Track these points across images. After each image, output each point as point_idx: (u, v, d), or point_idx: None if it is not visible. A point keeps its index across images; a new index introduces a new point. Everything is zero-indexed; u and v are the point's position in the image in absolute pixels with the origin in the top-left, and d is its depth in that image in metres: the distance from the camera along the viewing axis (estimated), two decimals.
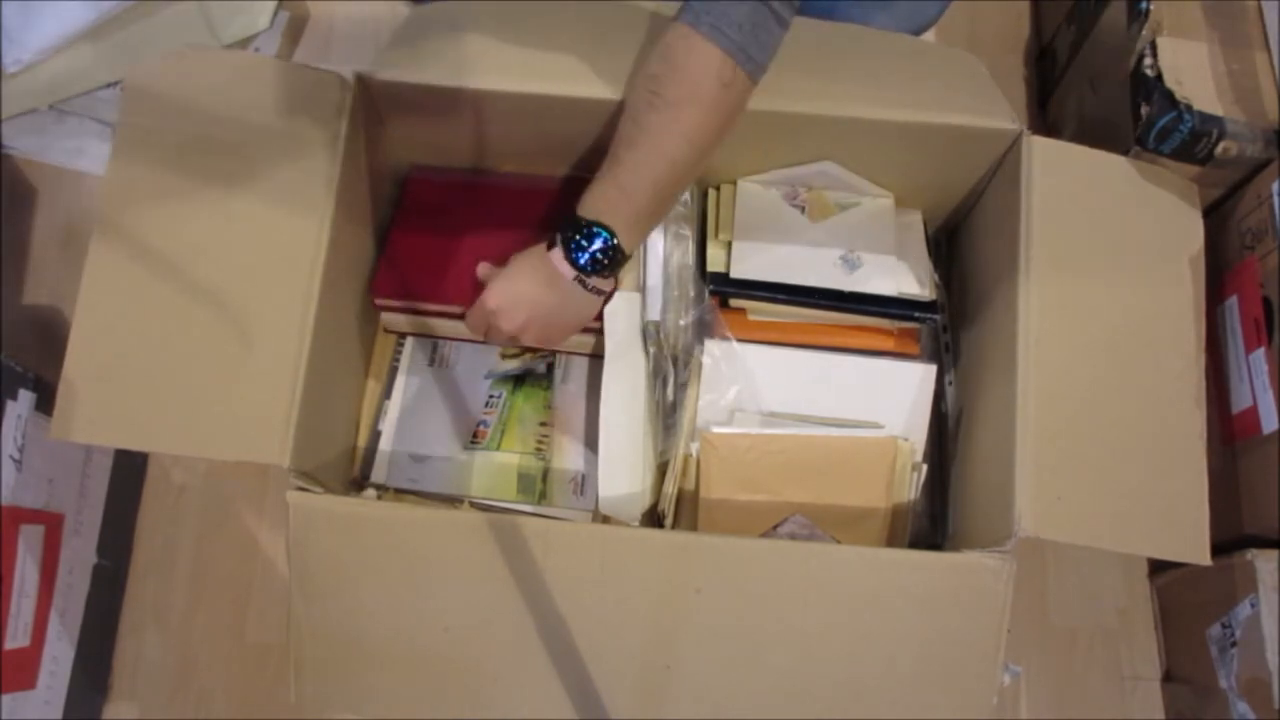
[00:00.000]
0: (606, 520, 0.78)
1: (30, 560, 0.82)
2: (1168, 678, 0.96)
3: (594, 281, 0.69)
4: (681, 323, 0.80)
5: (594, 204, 0.67)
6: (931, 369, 0.81)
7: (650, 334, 0.80)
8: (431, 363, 0.88)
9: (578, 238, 0.67)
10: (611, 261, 0.68)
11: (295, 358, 0.68)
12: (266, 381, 0.67)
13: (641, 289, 0.80)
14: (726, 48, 0.62)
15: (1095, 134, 0.93)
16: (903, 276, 0.82)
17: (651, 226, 0.72)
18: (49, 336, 1.01)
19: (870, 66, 0.76)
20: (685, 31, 0.62)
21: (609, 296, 0.76)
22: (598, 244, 0.67)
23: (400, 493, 0.83)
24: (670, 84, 0.63)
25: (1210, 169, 0.80)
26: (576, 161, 0.84)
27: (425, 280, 0.82)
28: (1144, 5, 0.83)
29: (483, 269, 0.77)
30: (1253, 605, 0.81)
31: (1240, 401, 0.85)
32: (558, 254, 0.68)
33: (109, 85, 0.98)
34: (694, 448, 0.79)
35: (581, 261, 0.67)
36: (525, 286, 0.70)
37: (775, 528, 0.79)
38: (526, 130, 0.79)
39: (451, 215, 0.85)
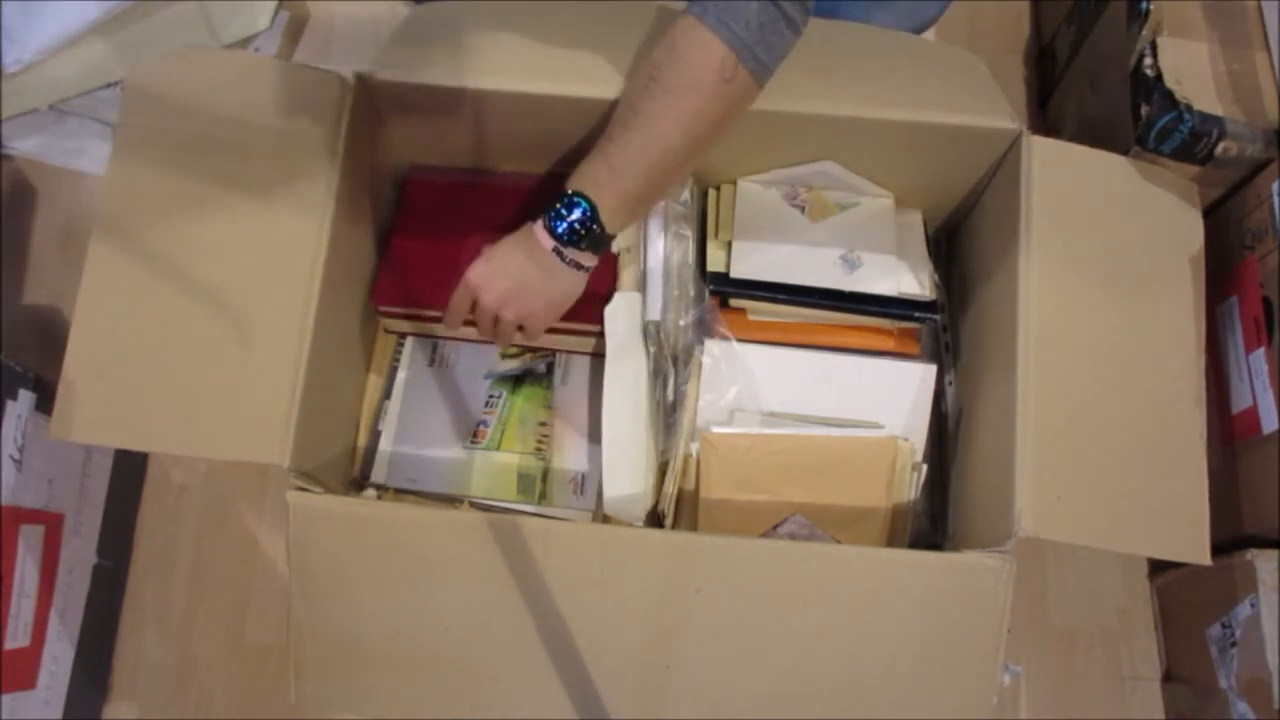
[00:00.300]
0: (607, 520, 0.78)
1: (30, 560, 0.82)
2: (1168, 678, 0.97)
3: (572, 254, 0.69)
4: (681, 322, 0.80)
5: (580, 178, 0.67)
6: (931, 369, 0.81)
7: (650, 334, 0.80)
8: (431, 363, 0.88)
9: (558, 207, 0.67)
10: (589, 234, 0.68)
11: (295, 358, 0.68)
12: (266, 381, 0.67)
13: (642, 289, 0.80)
14: (731, 42, 0.62)
15: (1095, 134, 0.93)
16: (903, 276, 0.82)
17: (639, 213, 0.72)
18: (49, 336, 1.01)
19: (870, 66, 0.76)
20: (692, 23, 0.63)
21: (608, 296, 0.76)
22: (576, 214, 0.67)
23: (400, 493, 0.83)
24: (671, 72, 0.64)
25: (1210, 169, 0.80)
26: (578, 161, 0.84)
27: (427, 286, 0.81)
28: (1144, 5, 0.83)
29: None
30: (1253, 605, 0.81)
31: (1240, 401, 0.85)
32: (539, 225, 0.69)
33: (109, 85, 0.98)
34: (694, 448, 0.79)
35: (559, 230, 0.67)
36: (506, 257, 0.71)
37: (775, 528, 0.79)
38: (527, 130, 0.79)
39: (452, 218, 0.85)
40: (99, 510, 0.93)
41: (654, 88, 0.64)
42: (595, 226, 0.67)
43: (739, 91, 0.65)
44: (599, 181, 0.67)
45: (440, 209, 0.85)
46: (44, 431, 0.83)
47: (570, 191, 0.67)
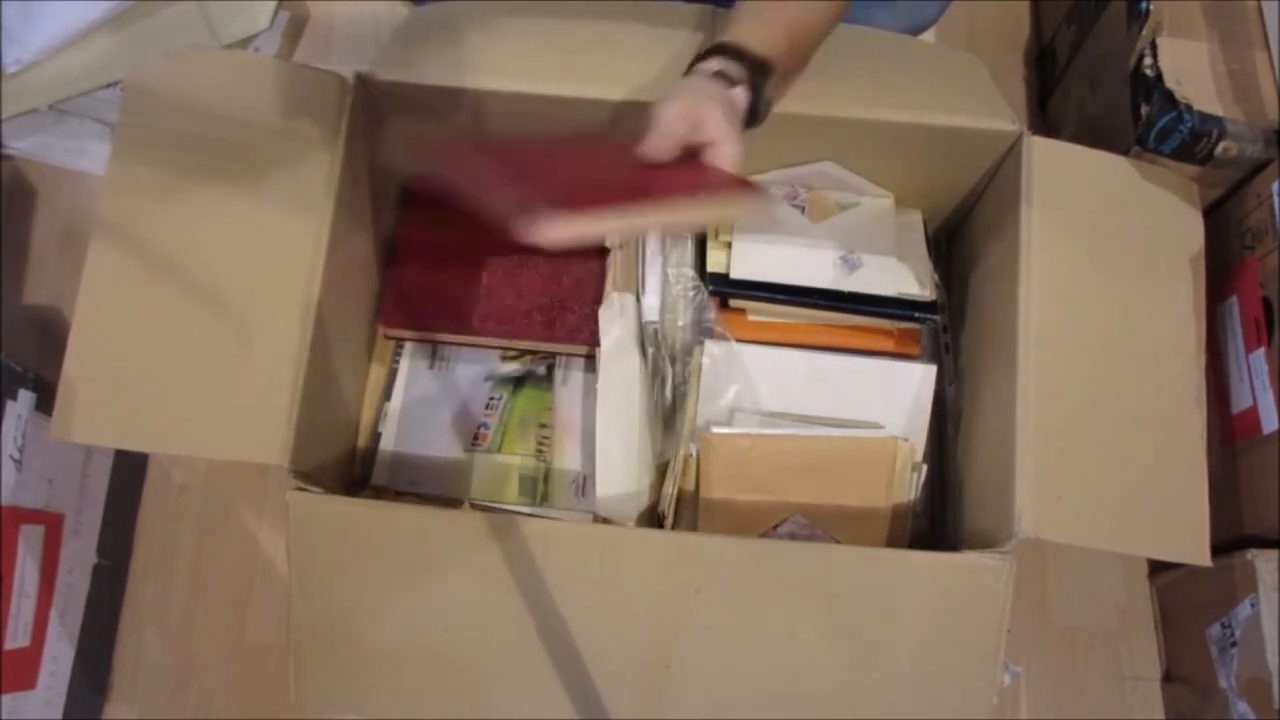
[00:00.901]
0: (607, 520, 0.78)
1: (30, 560, 0.82)
2: (1168, 678, 0.96)
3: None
4: (681, 323, 0.80)
5: (761, 45, 0.62)
6: (931, 369, 0.81)
7: (649, 335, 0.80)
8: (432, 365, 0.88)
9: (757, 82, 0.62)
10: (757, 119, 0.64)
11: (295, 358, 0.68)
12: (266, 381, 0.67)
13: (639, 290, 0.80)
14: None
15: (1095, 134, 0.93)
16: (903, 276, 0.82)
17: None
18: (49, 336, 1.01)
19: (870, 67, 0.76)
20: None
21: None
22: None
23: (400, 495, 0.83)
24: None
25: (1210, 169, 0.80)
26: None
27: (434, 305, 0.82)
28: (1144, 5, 0.83)
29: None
30: (1253, 605, 0.81)
31: (1240, 401, 0.85)
32: (741, 94, 0.62)
33: (109, 85, 0.98)
34: (694, 448, 0.79)
35: (760, 111, 0.63)
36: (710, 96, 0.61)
37: (775, 528, 0.79)
38: (527, 131, 0.79)
39: (456, 233, 0.84)
40: (99, 510, 0.93)
41: None
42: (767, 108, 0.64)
43: None
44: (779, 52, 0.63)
45: (444, 223, 0.85)
46: (44, 431, 0.83)
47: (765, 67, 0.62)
